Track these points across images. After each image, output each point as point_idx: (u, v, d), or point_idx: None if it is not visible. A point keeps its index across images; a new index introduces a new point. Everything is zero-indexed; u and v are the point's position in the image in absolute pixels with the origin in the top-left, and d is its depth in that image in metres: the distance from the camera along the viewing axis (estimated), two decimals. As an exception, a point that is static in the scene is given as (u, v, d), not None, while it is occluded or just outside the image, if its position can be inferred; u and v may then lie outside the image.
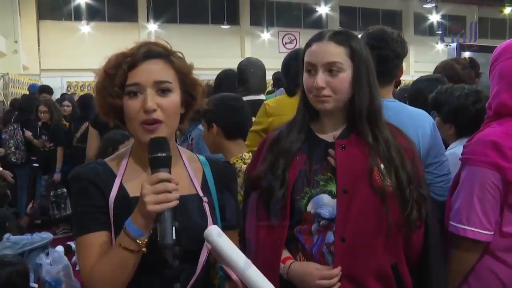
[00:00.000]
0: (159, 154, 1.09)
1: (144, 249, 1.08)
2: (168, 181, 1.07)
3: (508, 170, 1.43)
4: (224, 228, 1.23)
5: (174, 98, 1.17)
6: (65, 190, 5.43)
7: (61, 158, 5.46)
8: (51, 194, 5.49)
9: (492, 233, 1.48)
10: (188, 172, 1.26)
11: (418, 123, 1.75)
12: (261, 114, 2.64)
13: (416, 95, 2.48)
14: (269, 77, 5.68)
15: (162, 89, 1.15)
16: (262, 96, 3.15)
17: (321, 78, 1.35)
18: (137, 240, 1.07)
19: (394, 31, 1.90)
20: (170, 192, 1.06)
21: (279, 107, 2.59)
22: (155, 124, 1.14)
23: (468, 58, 3.33)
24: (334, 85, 1.35)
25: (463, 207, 1.49)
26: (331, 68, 1.35)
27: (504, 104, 1.51)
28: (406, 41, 1.91)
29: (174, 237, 1.07)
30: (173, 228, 1.07)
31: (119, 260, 1.09)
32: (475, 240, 1.47)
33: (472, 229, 1.47)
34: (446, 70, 2.73)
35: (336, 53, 1.36)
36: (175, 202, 1.07)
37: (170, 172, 1.09)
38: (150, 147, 1.11)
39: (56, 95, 8.89)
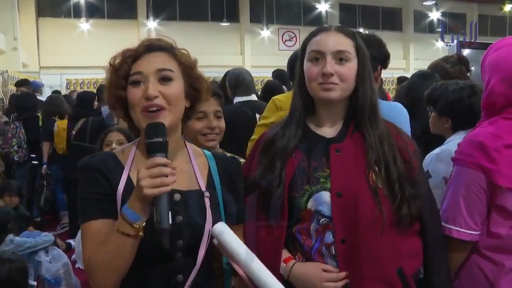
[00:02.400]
0: (155, 139, 1.10)
1: (141, 233, 1.10)
2: (164, 165, 1.07)
3: (492, 172, 1.42)
4: (228, 223, 1.25)
5: (176, 86, 1.20)
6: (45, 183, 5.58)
7: (46, 152, 5.55)
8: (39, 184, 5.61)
9: (478, 233, 1.48)
10: (193, 167, 1.27)
11: (395, 117, 1.79)
12: (271, 108, 2.76)
13: (409, 90, 2.54)
14: (269, 74, 5.68)
15: (164, 77, 1.19)
16: (254, 97, 3.44)
17: (330, 64, 1.35)
18: (133, 224, 1.09)
19: (370, 34, 2.01)
20: (166, 176, 1.07)
21: (288, 101, 2.65)
22: (157, 111, 1.16)
23: (456, 55, 3.38)
24: (342, 73, 1.36)
25: (450, 207, 1.50)
26: (340, 57, 1.37)
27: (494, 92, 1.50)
28: (384, 43, 1.97)
29: (170, 222, 1.08)
30: (169, 212, 1.08)
31: (117, 245, 1.11)
32: (460, 240, 1.47)
33: (457, 229, 1.47)
34: (437, 71, 2.77)
35: (345, 43, 1.39)
36: (171, 187, 1.08)
37: (166, 157, 1.10)
38: (146, 132, 1.13)
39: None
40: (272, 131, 1.47)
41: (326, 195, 1.34)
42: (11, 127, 5.63)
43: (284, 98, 2.78)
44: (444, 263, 1.44)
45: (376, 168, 1.34)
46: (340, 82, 1.36)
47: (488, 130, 1.48)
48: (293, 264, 1.36)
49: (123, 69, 1.20)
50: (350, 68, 1.38)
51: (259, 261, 1.13)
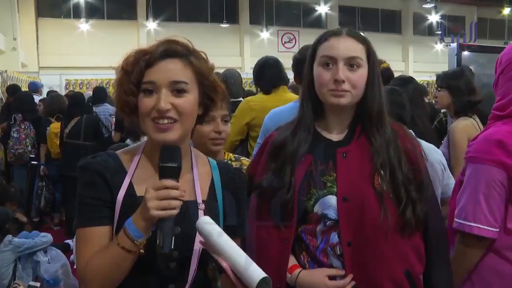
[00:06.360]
0: (170, 164, 1.08)
1: (142, 250, 1.08)
2: (174, 188, 1.06)
3: None
4: (228, 235, 1.22)
5: (190, 99, 1.16)
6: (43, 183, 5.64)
7: (43, 154, 5.61)
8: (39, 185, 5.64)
9: (498, 230, 1.47)
10: (194, 178, 1.24)
11: None
12: (245, 109, 3.03)
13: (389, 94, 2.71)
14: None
15: (178, 90, 1.14)
16: (240, 99, 3.70)
17: (342, 70, 1.34)
18: (135, 241, 1.07)
19: None
20: (174, 199, 1.05)
21: (261, 104, 3.01)
22: (168, 123, 1.13)
23: None
24: (353, 80, 1.35)
25: (469, 204, 1.49)
26: (352, 63, 1.35)
27: None
28: None
29: (172, 247, 1.06)
30: (173, 237, 1.06)
31: (115, 258, 1.09)
32: (480, 236, 1.47)
33: (478, 225, 1.46)
34: None
35: (357, 48, 1.37)
36: (177, 210, 1.06)
37: (178, 181, 1.07)
38: (162, 155, 1.09)
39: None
40: (281, 135, 1.44)
41: (332, 200, 1.34)
42: (22, 127, 5.65)
43: (258, 100, 3.09)
44: (446, 265, 1.44)
45: (381, 171, 1.34)
46: (351, 88, 1.34)
47: (505, 129, 1.49)
48: (299, 273, 1.35)
49: (135, 75, 1.14)
50: (361, 75, 1.36)
51: (237, 247, 1.08)
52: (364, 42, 1.39)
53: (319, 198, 1.35)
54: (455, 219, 1.53)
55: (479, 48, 4.38)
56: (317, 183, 1.36)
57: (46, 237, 3.71)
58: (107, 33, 16.77)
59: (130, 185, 1.17)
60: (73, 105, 5.51)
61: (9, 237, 3.56)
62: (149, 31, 17.51)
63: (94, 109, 6.16)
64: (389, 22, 21.68)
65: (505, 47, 1.65)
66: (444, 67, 4.83)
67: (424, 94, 3.66)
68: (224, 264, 1.07)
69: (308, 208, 1.35)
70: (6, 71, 9.28)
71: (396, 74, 3.30)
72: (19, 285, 3.30)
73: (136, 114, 1.18)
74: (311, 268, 1.37)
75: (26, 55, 15.29)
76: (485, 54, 4.30)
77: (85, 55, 16.05)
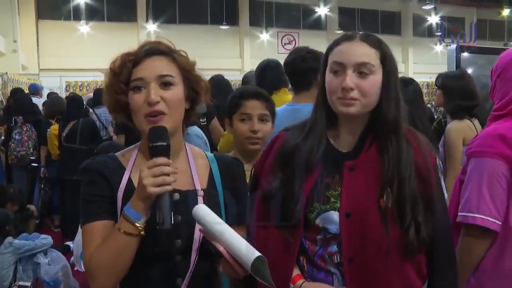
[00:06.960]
0: (159, 143, 1.13)
1: (142, 232, 1.12)
2: (166, 165, 1.10)
3: None
4: (229, 224, 1.23)
5: (177, 91, 1.22)
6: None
7: (43, 156, 5.65)
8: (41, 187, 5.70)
9: (500, 223, 1.49)
10: (191, 167, 1.28)
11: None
12: None
13: None
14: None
15: (165, 83, 1.20)
16: None
17: (350, 78, 1.27)
18: (135, 224, 1.11)
19: (310, 49, 2.40)
20: (168, 175, 1.10)
21: None
22: (158, 115, 1.18)
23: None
24: (363, 87, 1.27)
25: (472, 197, 1.51)
26: (362, 70, 1.28)
27: None
28: (320, 55, 2.01)
29: (172, 222, 1.11)
30: (172, 212, 1.11)
31: (118, 245, 1.13)
32: (484, 228, 1.48)
33: (482, 216, 1.48)
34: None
35: (369, 54, 1.29)
36: (173, 186, 1.11)
37: (169, 159, 1.13)
38: (150, 136, 1.15)
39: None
40: (291, 139, 1.37)
41: (335, 215, 1.30)
42: (24, 129, 5.67)
43: None
44: (452, 283, 1.40)
45: (388, 189, 1.28)
46: (361, 97, 1.27)
47: (506, 125, 1.54)
48: (301, 284, 1.33)
49: (124, 74, 1.21)
50: (373, 82, 1.28)
51: (231, 230, 1.12)
52: (379, 47, 1.31)
53: (321, 213, 1.31)
54: (459, 213, 1.55)
55: (478, 49, 4.40)
56: (321, 197, 1.32)
57: (46, 239, 3.71)
58: (107, 35, 16.78)
59: (129, 180, 1.23)
60: (71, 108, 5.52)
61: (9, 239, 3.57)
62: (149, 33, 17.53)
63: (95, 111, 6.16)
64: (389, 24, 21.69)
65: (504, 49, 1.67)
66: (444, 68, 4.84)
67: None
68: (221, 249, 1.11)
69: (309, 219, 1.33)
70: (6, 73, 9.30)
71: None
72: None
73: (126, 112, 1.24)
74: (309, 271, 1.37)
75: (27, 57, 15.30)
76: (484, 55, 4.32)
77: (85, 57, 16.06)
